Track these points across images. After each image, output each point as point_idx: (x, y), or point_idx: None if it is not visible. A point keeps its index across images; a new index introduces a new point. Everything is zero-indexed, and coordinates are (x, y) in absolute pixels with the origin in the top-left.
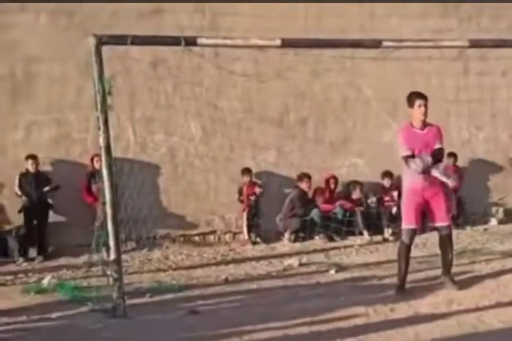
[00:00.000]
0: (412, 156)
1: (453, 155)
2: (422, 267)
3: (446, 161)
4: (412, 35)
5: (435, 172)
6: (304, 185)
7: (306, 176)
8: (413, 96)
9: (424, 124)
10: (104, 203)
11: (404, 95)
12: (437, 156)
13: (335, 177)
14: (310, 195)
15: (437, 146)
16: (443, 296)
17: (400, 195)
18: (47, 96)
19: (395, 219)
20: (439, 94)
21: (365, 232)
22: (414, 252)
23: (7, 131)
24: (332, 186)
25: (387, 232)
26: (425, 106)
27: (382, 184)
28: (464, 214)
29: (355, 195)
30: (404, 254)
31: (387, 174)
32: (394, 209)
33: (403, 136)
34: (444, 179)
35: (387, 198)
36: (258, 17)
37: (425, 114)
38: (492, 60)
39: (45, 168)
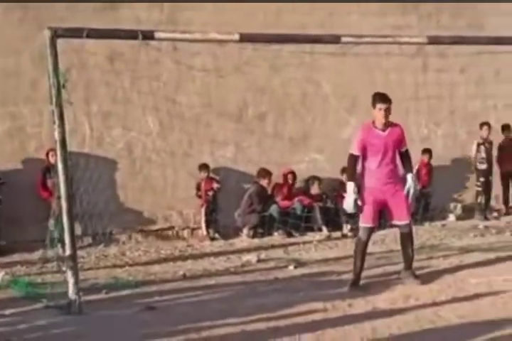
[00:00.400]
0: (357, 158)
1: (428, 151)
2: (379, 263)
3: (421, 157)
4: (372, 32)
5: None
6: (263, 181)
7: (265, 172)
8: (376, 99)
9: (387, 125)
10: (59, 198)
11: (363, 91)
12: (407, 158)
13: (293, 173)
14: (269, 190)
15: (403, 149)
16: (400, 291)
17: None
18: (0, 89)
19: (354, 215)
20: (398, 91)
21: (324, 228)
22: (372, 248)
23: None
24: (290, 181)
25: (346, 228)
26: (386, 110)
27: (341, 180)
28: (426, 210)
29: (314, 190)
30: (360, 251)
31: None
32: None
33: (360, 136)
34: (347, 198)
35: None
36: (217, 11)
37: (386, 117)
38: (451, 57)
39: None
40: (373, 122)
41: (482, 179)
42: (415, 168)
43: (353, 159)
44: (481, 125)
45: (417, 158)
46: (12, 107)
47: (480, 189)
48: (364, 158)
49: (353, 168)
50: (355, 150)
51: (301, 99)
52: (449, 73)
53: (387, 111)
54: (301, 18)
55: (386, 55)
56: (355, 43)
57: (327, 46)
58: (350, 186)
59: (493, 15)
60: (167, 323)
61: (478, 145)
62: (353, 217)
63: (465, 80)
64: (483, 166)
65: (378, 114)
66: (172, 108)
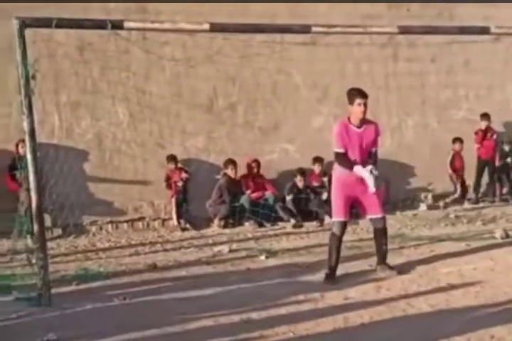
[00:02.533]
0: (345, 154)
1: (459, 140)
2: (351, 253)
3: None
4: (342, 21)
5: (364, 172)
6: (230, 172)
7: (229, 161)
8: (353, 94)
9: (362, 121)
10: (28, 189)
11: (333, 81)
12: (374, 159)
13: (257, 161)
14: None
15: (374, 149)
16: (372, 282)
17: (330, 181)
18: None
19: (324, 205)
20: (369, 80)
21: (292, 219)
22: (344, 237)
23: None
24: (255, 170)
25: (323, 218)
26: (365, 104)
27: (313, 169)
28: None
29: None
30: (335, 246)
31: (318, 159)
32: (324, 195)
33: (338, 132)
34: (369, 181)
35: (316, 184)
36: (186, 1)
37: (364, 113)
38: (421, 47)
39: None
40: (348, 118)
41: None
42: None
43: (340, 156)
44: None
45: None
46: None
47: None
48: None
49: (348, 161)
50: (340, 148)
51: (272, 89)
52: (420, 63)
53: (366, 106)
54: (271, 7)
55: (357, 45)
56: (326, 33)
57: (298, 36)
58: (360, 169)
59: (463, 5)
60: (139, 315)
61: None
62: (323, 207)
63: (436, 70)
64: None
65: (357, 109)
66: (142, 98)
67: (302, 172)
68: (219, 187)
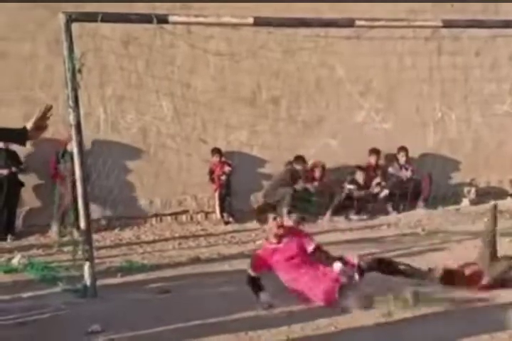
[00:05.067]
0: None
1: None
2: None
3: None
4: (386, 16)
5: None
6: (298, 166)
7: (300, 159)
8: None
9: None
10: (73, 182)
11: (377, 75)
12: None
13: (323, 167)
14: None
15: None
16: None
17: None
18: (16, 74)
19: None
20: (412, 74)
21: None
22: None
23: None
24: (318, 174)
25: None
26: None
27: (369, 162)
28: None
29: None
30: None
31: (374, 151)
32: (384, 192)
33: None
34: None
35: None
36: None
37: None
38: (465, 41)
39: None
40: None
41: None
42: None
43: None
44: None
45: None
46: (28, 92)
47: None
48: None
49: None
50: None
51: (315, 83)
52: (464, 56)
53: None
54: (315, 2)
55: (400, 38)
56: (370, 27)
57: (341, 30)
58: None
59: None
60: (182, 307)
61: None
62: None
63: (479, 64)
64: None
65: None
66: (186, 92)
67: (362, 168)
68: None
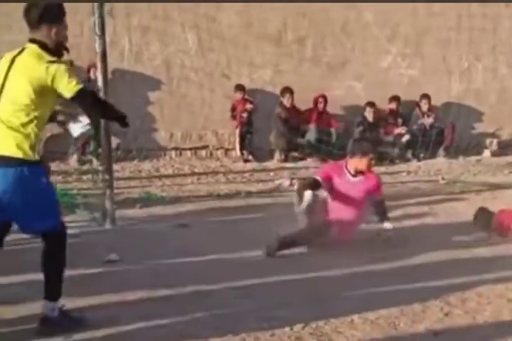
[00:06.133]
0: None
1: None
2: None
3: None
4: None
5: None
6: (285, 101)
7: (288, 90)
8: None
9: None
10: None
11: (404, 20)
12: None
13: (324, 96)
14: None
15: None
16: None
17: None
18: None
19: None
20: (441, 21)
21: None
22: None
23: (0, 30)
24: (321, 105)
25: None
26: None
27: (390, 108)
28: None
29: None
30: None
31: (395, 98)
32: (405, 137)
33: None
34: None
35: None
36: None
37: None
38: None
39: None
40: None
41: None
42: None
43: None
44: None
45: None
46: None
47: None
48: None
49: None
50: None
51: (342, 25)
52: (494, 6)
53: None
54: None
55: None
56: None
57: None
58: None
59: None
60: (199, 241)
61: None
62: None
63: (509, 14)
64: None
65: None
66: (212, 26)
67: (372, 104)
68: (274, 118)
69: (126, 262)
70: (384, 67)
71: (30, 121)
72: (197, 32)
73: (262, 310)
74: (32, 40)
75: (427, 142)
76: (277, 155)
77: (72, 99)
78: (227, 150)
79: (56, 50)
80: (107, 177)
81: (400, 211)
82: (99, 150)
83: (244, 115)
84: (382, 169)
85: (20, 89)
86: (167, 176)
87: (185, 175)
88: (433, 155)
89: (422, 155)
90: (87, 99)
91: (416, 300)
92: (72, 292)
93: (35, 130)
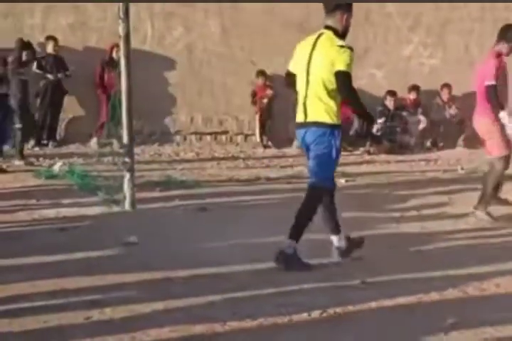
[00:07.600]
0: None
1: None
2: None
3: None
4: None
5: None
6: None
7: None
8: None
9: None
10: (118, 93)
11: (426, 10)
12: None
13: None
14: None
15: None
16: None
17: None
18: None
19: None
20: (464, 11)
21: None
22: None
23: (23, 14)
24: None
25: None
26: None
27: (409, 97)
28: None
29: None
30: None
31: (415, 88)
32: (421, 125)
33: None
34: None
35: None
36: None
37: None
38: None
39: (61, 53)
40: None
41: None
42: None
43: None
44: None
45: None
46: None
47: None
48: None
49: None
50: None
51: (365, 15)
52: None
53: None
54: None
55: None
56: None
57: None
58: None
59: None
60: (218, 225)
61: None
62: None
63: None
64: None
65: None
66: (235, 14)
67: (393, 93)
68: (294, 103)
69: (145, 244)
70: (405, 56)
71: (333, 91)
72: (220, 18)
73: (281, 295)
74: (327, 27)
75: (447, 131)
76: (296, 143)
77: (338, 74)
78: (246, 135)
79: (343, 34)
80: (128, 160)
81: (419, 200)
82: (121, 132)
83: (265, 101)
84: (401, 157)
85: (322, 67)
86: (187, 160)
87: (205, 159)
88: (453, 144)
89: (441, 144)
90: (347, 82)
91: (433, 289)
92: (91, 272)
93: (337, 99)
